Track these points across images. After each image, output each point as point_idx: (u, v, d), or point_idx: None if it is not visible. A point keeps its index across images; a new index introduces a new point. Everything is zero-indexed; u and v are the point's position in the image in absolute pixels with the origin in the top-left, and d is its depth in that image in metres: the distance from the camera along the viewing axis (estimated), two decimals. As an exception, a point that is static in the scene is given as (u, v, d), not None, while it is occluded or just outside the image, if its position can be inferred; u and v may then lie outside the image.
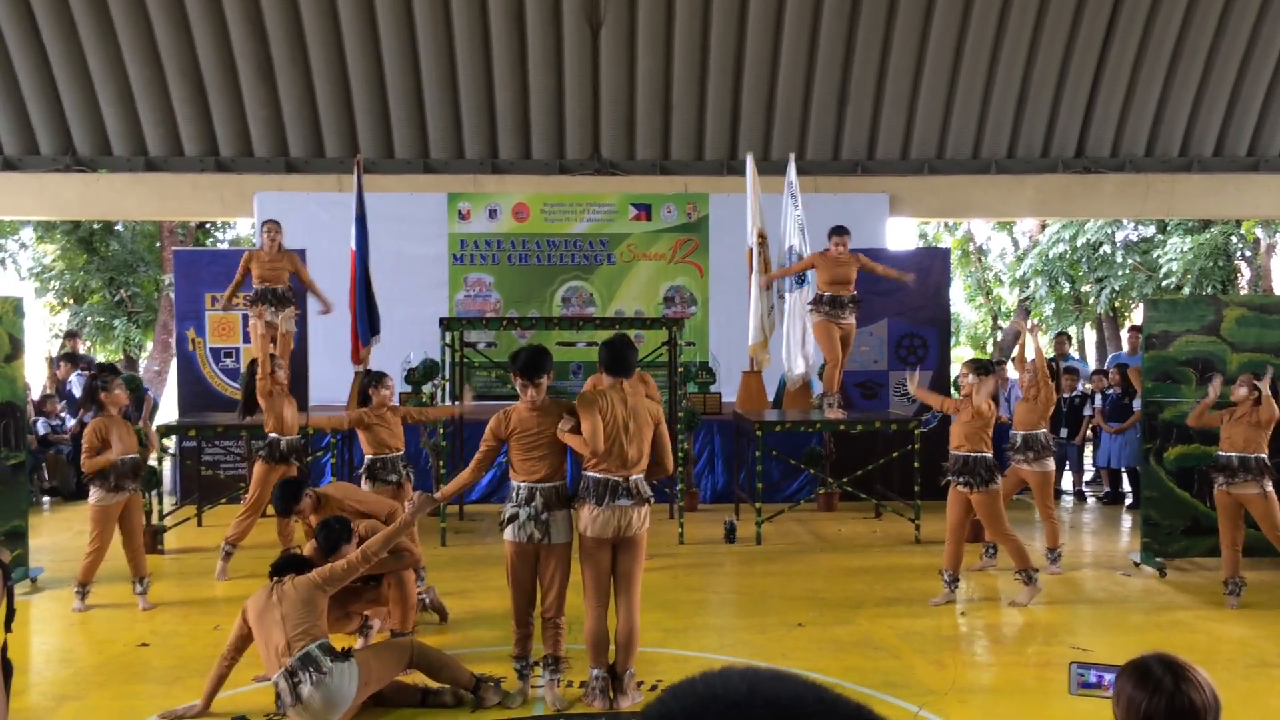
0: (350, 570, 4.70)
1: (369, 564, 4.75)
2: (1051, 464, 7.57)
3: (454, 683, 4.72)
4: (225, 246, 19.97)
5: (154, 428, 10.58)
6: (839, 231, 8.95)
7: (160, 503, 8.65)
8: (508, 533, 4.72)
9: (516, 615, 4.82)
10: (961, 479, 6.50)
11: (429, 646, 4.82)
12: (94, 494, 6.36)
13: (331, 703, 4.32)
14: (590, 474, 4.70)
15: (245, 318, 9.96)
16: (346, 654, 4.49)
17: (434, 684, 4.75)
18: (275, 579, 4.67)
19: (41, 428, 11.16)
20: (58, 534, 9.22)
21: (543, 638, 4.81)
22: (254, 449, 8.95)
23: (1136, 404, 10.38)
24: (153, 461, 9.08)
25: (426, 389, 9.98)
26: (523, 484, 4.69)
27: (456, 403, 8.32)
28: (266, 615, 4.50)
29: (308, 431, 8.02)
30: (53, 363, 12.25)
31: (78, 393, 11.29)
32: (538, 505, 4.65)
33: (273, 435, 7.29)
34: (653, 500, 4.81)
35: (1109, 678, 2.27)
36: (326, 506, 5.69)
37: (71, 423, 11.26)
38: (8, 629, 2.66)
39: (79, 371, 11.76)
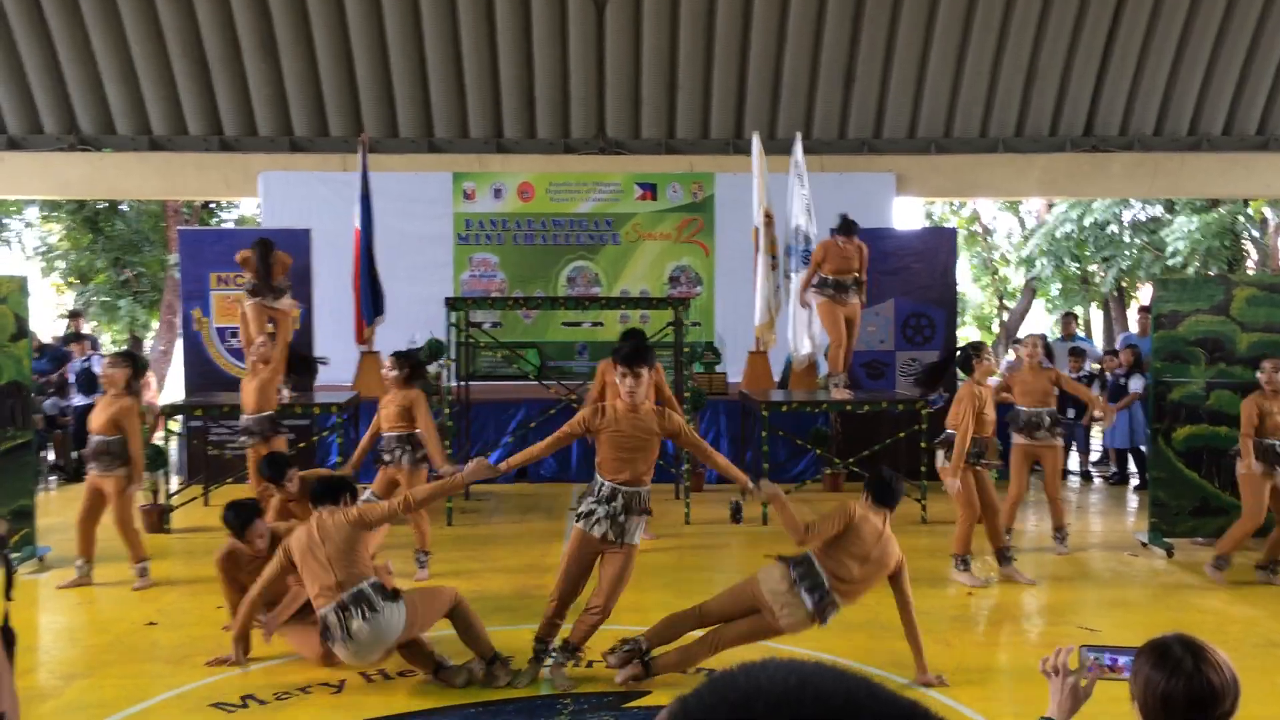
0: (390, 514, 4.85)
1: (409, 512, 5.07)
2: (1060, 443, 7.56)
3: (477, 647, 4.80)
4: (230, 226, 19.94)
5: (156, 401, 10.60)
6: (845, 231, 8.86)
7: (167, 482, 8.67)
8: (580, 523, 4.71)
9: (558, 602, 4.79)
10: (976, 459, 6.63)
11: (469, 606, 4.87)
12: None
13: (379, 638, 4.52)
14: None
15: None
16: (396, 594, 4.64)
17: (448, 662, 4.78)
18: (315, 509, 4.78)
19: (50, 408, 11.16)
20: (65, 513, 9.21)
21: (575, 622, 4.82)
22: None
23: (1134, 384, 10.34)
24: (158, 440, 9.10)
25: (432, 369, 9.96)
26: (607, 482, 4.67)
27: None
28: (311, 555, 4.63)
29: (294, 410, 8.38)
30: (57, 343, 12.23)
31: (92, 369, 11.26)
32: (617, 506, 4.65)
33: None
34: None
35: (1122, 660, 2.26)
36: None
37: (76, 401, 11.26)
38: (7, 597, 2.64)
39: (88, 354, 11.72)
